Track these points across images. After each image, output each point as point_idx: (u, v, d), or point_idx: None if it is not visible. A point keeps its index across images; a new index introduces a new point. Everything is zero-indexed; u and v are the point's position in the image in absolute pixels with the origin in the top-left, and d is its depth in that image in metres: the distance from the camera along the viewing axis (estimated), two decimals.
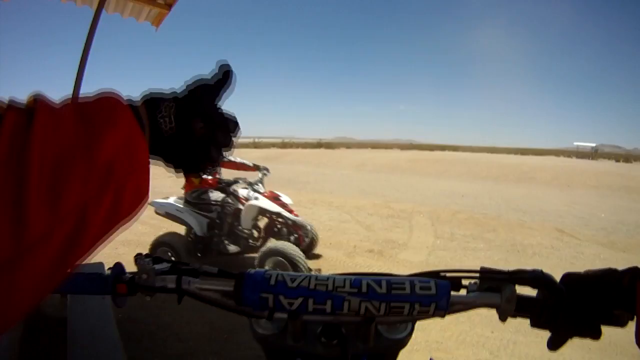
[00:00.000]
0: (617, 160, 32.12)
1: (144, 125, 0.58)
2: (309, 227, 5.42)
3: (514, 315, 0.69)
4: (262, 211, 5.06)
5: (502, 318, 0.69)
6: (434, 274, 0.73)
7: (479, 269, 0.73)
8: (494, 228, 8.10)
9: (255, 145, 39.34)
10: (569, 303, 0.66)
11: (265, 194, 5.12)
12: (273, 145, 39.32)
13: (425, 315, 0.68)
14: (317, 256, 5.87)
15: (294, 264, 4.22)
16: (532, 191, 14.45)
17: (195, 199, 5.06)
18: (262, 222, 5.36)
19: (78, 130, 0.47)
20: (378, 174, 19.72)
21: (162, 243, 4.86)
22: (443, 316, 0.69)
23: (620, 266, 0.65)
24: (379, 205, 10.15)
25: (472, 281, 0.73)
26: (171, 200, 5.15)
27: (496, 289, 0.70)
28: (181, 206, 5.05)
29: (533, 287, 0.69)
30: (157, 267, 0.74)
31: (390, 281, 0.68)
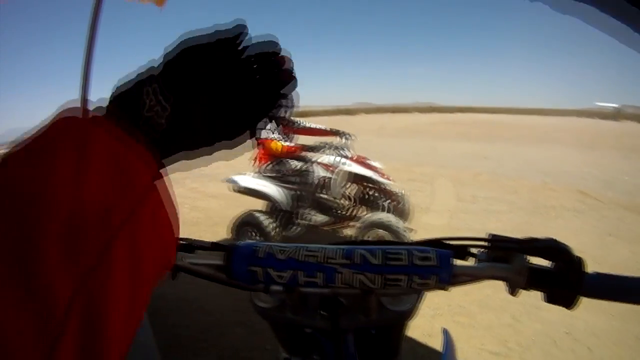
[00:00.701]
0: None
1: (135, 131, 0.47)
2: (401, 193, 4.86)
3: (526, 289, 0.64)
4: (353, 177, 4.72)
5: (512, 292, 0.65)
6: (436, 242, 0.69)
7: (487, 236, 0.69)
8: (515, 190, 8.01)
9: None
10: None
11: (354, 158, 4.74)
12: (291, 114, 39.13)
13: (426, 287, 0.65)
14: None
15: (397, 237, 3.94)
16: (553, 152, 14.18)
17: (274, 172, 4.75)
18: (350, 190, 4.93)
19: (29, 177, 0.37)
20: (398, 138, 19.54)
21: (244, 224, 4.58)
22: (447, 289, 0.66)
23: None
24: (400, 169, 10.07)
25: (480, 250, 0.69)
26: (248, 176, 4.81)
27: (506, 259, 0.66)
28: (262, 180, 4.67)
29: (546, 258, 0.63)
30: None
31: (386, 251, 0.65)
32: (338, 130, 5.11)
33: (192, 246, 0.73)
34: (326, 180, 4.61)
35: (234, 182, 4.75)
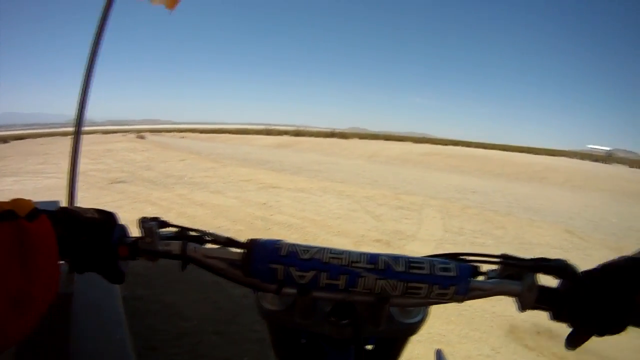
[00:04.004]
0: (632, 166, 31.48)
1: None
2: None
3: (534, 307, 0.66)
4: None
5: (522, 308, 0.66)
6: (454, 256, 0.70)
7: (499, 254, 0.70)
8: (503, 225, 8.05)
9: (268, 132, 39.23)
10: (595, 296, 0.61)
11: None
12: (286, 132, 39.17)
13: (443, 298, 0.65)
14: (325, 243, 5.87)
15: None
16: (543, 191, 14.33)
17: None
18: None
19: None
20: (390, 165, 19.65)
21: None
22: (461, 301, 0.66)
23: None
24: (389, 196, 10.10)
25: (492, 268, 0.71)
26: None
27: (517, 277, 0.67)
28: None
29: (557, 276, 0.66)
30: (162, 231, 0.71)
31: (409, 260, 0.65)
32: None
33: (204, 239, 0.71)
34: None
35: None
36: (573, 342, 0.65)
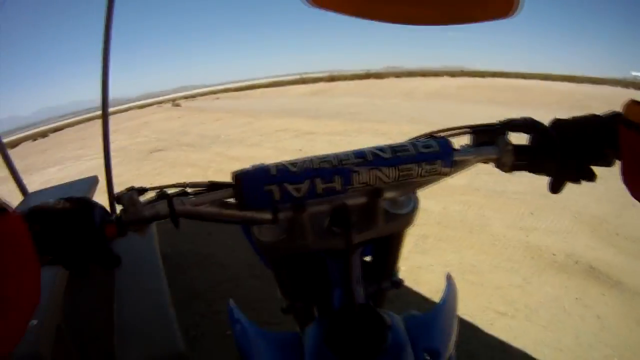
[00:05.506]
0: None
1: None
2: None
3: (514, 166, 0.74)
4: None
5: (504, 169, 0.74)
6: (429, 135, 0.76)
7: (468, 125, 0.77)
8: None
9: (302, 81, 38.75)
10: (562, 146, 0.69)
11: None
12: (321, 79, 38.61)
13: (433, 173, 0.69)
14: None
15: None
16: None
17: None
18: None
19: None
20: (427, 101, 19.16)
21: None
22: (449, 174, 0.71)
23: None
24: (424, 131, 9.93)
25: (462, 145, 0.77)
26: None
27: (490, 142, 0.74)
28: None
29: (526, 132, 0.74)
30: (143, 198, 0.66)
31: (393, 146, 0.68)
32: None
33: (187, 191, 0.68)
34: None
35: None
36: (553, 188, 0.74)
